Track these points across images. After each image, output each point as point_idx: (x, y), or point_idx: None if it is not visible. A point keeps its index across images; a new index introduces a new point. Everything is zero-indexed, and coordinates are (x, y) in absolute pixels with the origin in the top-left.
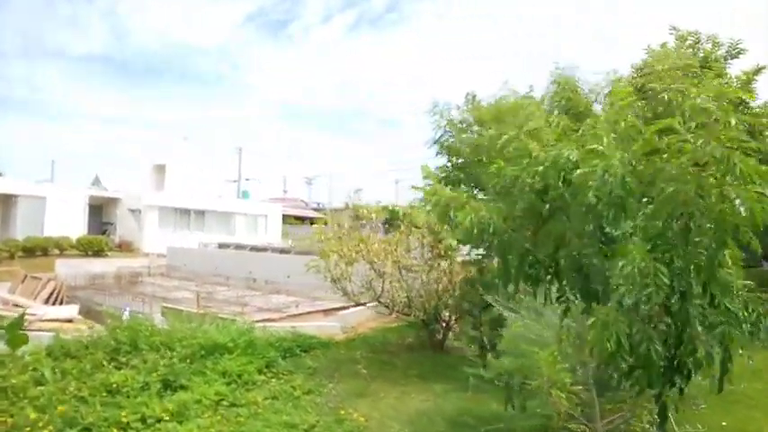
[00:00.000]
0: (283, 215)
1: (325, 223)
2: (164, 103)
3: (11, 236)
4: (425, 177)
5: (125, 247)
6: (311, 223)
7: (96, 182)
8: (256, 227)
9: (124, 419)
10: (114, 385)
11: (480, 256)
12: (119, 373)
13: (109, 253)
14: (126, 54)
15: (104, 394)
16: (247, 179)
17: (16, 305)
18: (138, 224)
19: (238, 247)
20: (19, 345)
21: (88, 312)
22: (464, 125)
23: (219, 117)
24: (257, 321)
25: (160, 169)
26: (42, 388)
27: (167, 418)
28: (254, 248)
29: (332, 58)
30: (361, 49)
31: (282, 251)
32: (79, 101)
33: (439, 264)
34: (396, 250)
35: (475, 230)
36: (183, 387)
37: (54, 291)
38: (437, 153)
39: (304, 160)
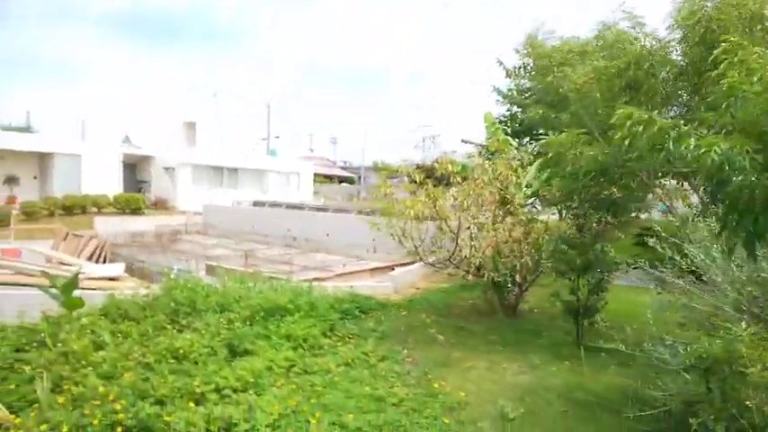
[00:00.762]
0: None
1: (392, 177)
2: (184, 63)
3: (49, 194)
4: (490, 125)
5: (160, 205)
6: (340, 182)
7: (126, 141)
8: (288, 185)
9: (198, 390)
10: (180, 351)
11: (576, 213)
12: (182, 337)
13: (145, 211)
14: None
15: (171, 360)
16: (276, 137)
17: (62, 263)
18: (172, 182)
19: (273, 204)
20: (75, 307)
21: (132, 270)
22: (530, 69)
23: (241, 76)
24: (304, 281)
25: (190, 127)
26: (103, 353)
27: (241, 387)
28: (291, 206)
29: (352, 14)
30: (382, 4)
31: (319, 209)
32: (102, 61)
33: (512, 221)
34: (469, 206)
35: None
36: (248, 352)
37: (97, 248)
38: (500, 101)
39: (326, 119)
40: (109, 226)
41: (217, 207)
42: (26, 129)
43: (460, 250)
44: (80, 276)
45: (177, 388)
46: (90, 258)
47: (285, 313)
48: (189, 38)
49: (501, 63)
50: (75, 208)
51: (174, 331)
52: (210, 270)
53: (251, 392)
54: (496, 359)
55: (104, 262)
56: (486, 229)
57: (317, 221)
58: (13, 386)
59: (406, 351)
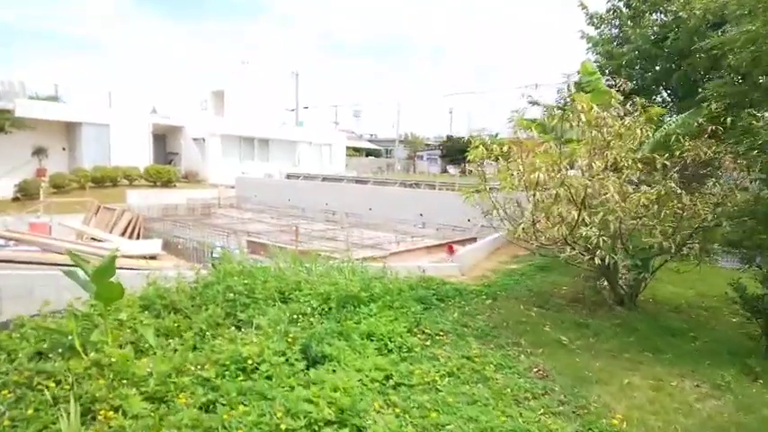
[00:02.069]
0: None
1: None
2: (208, 35)
3: (79, 165)
4: (588, 75)
5: (191, 178)
6: (366, 155)
7: (153, 113)
8: (321, 156)
9: (282, 426)
10: (248, 360)
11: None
12: (246, 339)
13: (176, 184)
14: None
15: (237, 374)
16: (305, 107)
17: (94, 239)
18: (201, 154)
19: (308, 177)
20: (113, 299)
21: (168, 246)
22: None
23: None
24: (358, 260)
25: (219, 96)
26: (148, 362)
27: (335, 416)
28: (327, 178)
29: None
30: None
31: (358, 181)
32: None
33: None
34: (598, 170)
35: None
36: (327, 357)
37: (130, 223)
38: (591, 50)
39: (349, 91)
40: (141, 199)
41: (250, 179)
42: (54, 99)
43: (577, 227)
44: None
45: (255, 422)
46: (123, 234)
47: (358, 303)
48: (212, 9)
49: (584, 8)
50: (106, 180)
51: (233, 329)
52: (253, 247)
53: (349, 424)
54: (658, 373)
55: (138, 237)
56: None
57: (357, 194)
58: (31, 411)
59: (523, 357)
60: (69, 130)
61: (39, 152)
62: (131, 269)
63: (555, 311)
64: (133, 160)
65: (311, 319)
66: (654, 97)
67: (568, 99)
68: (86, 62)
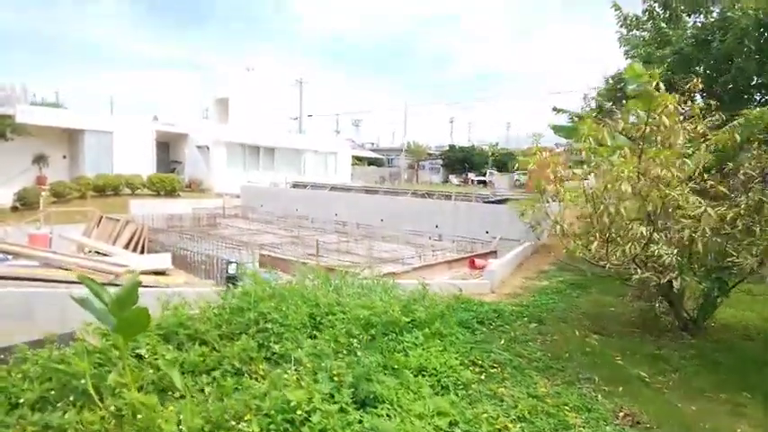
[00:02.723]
0: None
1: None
2: (211, 43)
3: (81, 173)
4: (638, 76)
5: (194, 187)
6: (369, 164)
7: (156, 120)
8: (326, 165)
9: None
10: (297, 410)
11: None
12: (289, 380)
13: (180, 193)
14: None
15: (286, 428)
16: (309, 115)
17: (98, 252)
18: (205, 162)
19: (315, 186)
20: (136, 332)
21: (175, 259)
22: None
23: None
24: (382, 276)
25: (223, 103)
26: (176, 411)
27: None
28: (336, 188)
29: None
30: None
31: (368, 191)
32: (129, 42)
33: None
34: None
35: None
36: (379, 399)
37: (134, 234)
38: (628, 50)
39: (349, 100)
40: (144, 209)
41: (256, 189)
42: (56, 106)
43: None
44: (120, 269)
45: None
46: (127, 245)
47: (400, 330)
48: (215, 18)
49: (618, 8)
50: (108, 189)
51: (269, 366)
52: (267, 261)
53: None
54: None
55: (142, 250)
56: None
57: (368, 205)
58: None
59: (601, 397)
60: (71, 137)
61: (39, 160)
62: (143, 286)
63: (616, 338)
64: (136, 168)
65: (352, 351)
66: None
67: (609, 104)
68: (89, 69)
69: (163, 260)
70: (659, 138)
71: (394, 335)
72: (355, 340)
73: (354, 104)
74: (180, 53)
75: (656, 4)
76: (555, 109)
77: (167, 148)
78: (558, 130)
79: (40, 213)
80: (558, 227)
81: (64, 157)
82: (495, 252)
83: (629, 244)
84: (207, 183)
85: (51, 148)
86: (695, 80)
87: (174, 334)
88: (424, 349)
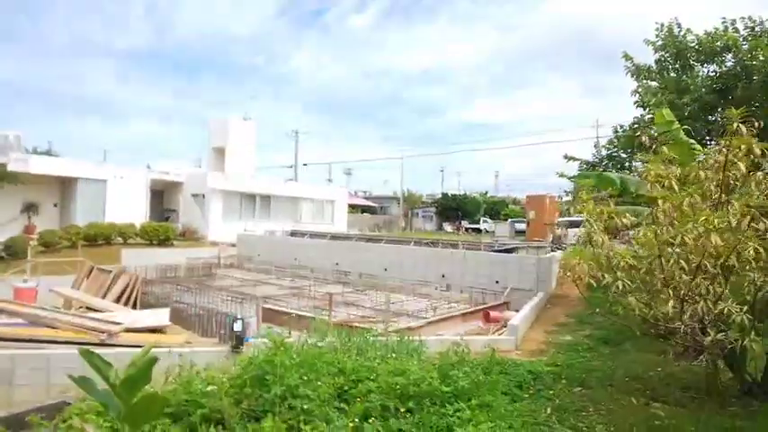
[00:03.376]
0: None
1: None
2: (205, 95)
3: (71, 222)
4: (668, 123)
5: (188, 236)
6: (362, 212)
7: (148, 169)
8: (323, 213)
9: None
10: None
11: None
12: None
13: (174, 242)
14: (167, 48)
15: None
16: (304, 164)
17: (89, 308)
18: (201, 210)
19: (314, 235)
20: (148, 419)
21: (171, 313)
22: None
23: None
24: (396, 331)
25: (219, 152)
26: None
27: None
28: (336, 237)
29: (367, 47)
30: (398, 36)
31: (369, 239)
32: (124, 96)
33: None
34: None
35: None
36: None
37: (127, 286)
38: (639, 99)
39: (339, 149)
40: (136, 258)
41: (253, 237)
42: (49, 155)
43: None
44: (115, 328)
45: None
46: (119, 299)
47: (441, 401)
48: (209, 71)
49: (629, 59)
50: (99, 238)
51: None
52: (270, 316)
53: None
54: None
55: (135, 302)
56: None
57: (370, 253)
58: None
59: None
60: (64, 185)
61: (29, 208)
62: (139, 347)
63: (678, 407)
64: (129, 217)
65: (389, 429)
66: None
67: (619, 151)
68: (83, 121)
69: (161, 316)
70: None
71: (434, 407)
72: (392, 416)
73: (343, 154)
74: (172, 106)
75: (668, 55)
76: (566, 157)
77: (161, 196)
78: (583, 177)
79: (27, 264)
80: (620, 282)
81: (55, 205)
82: (508, 303)
83: (702, 302)
84: (202, 231)
85: (43, 196)
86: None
87: (185, 414)
88: (474, 425)
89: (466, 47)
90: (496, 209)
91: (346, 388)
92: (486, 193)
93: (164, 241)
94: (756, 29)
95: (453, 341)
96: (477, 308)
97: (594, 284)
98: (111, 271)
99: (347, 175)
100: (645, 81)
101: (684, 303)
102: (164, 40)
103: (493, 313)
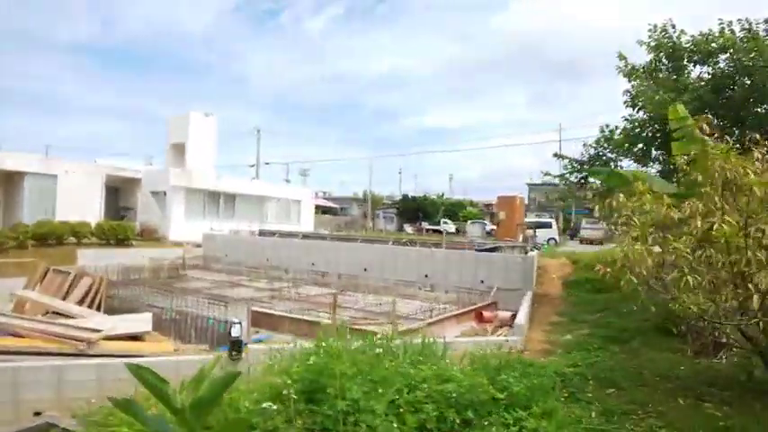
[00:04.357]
0: None
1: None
2: (153, 93)
3: (18, 220)
4: (681, 119)
5: (147, 235)
6: (323, 212)
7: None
8: (289, 213)
9: None
10: None
11: None
12: None
13: (133, 242)
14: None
15: None
16: (267, 163)
17: (56, 313)
18: (161, 209)
19: (285, 234)
20: None
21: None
22: None
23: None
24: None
25: (179, 149)
26: None
27: None
28: (308, 236)
29: (323, 49)
30: (354, 40)
31: (344, 239)
32: (68, 92)
33: None
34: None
35: None
36: None
37: (90, 289)
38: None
39: (296, 151)
40: (93, 259)
41: (220, 237)
42: None
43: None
44: (92, 335)
45: None
46: (81, 302)
47: (495, 408)
48: (160, 68)
49: (623, 59)
50: (50, 237)
51: None
52: (257, 319)
53: None
54: None
55: (99, 306)
56: None
57: (347, 253)
58: None
59: None
60: (8, 180)
61: None
62: (123, 357)
63: (727, 406)
64: (81, 215)
65: None
66: None
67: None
68: (23, 118)
69: (142, 322)
70: None
71: (492, 416)
72: (447, 428)
73: (300, 156)
74: (118, 103)
75: (662, 55)
76: (556, 155)
77: (116, 193)
78: (595, 173)
79: None
80: (690, 278)
81: None
82: (496, 303)
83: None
84: (162, 231)
85: None
86: None
87: None
88: None
89: (422, 54)
90: (454, 210)
91: (396, 397)
92: (443, 194)
93: (122, 241)
94: (754, 29)
95: (472, 342)
96: (470, 308)
97: (567, 283)
98: (69, 272)
99: (303, 176)
100: (638, 81)
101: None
102: (110, 35)
103: (486, 313)
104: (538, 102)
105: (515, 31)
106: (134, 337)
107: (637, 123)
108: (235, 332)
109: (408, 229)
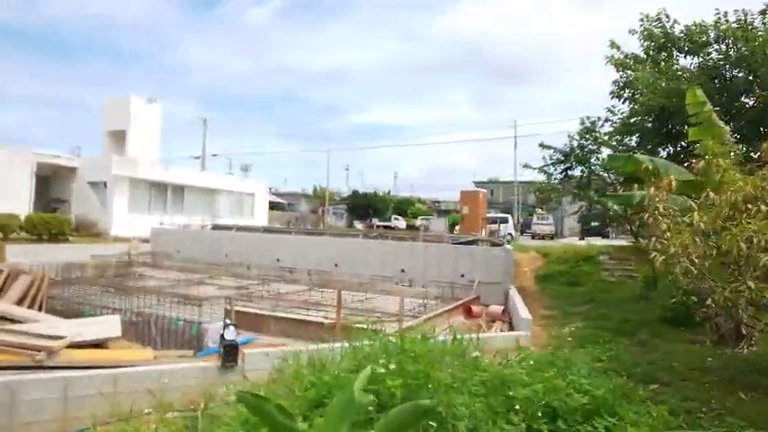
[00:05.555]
0: None
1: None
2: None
3: None
4: (700, 104)
5: (84, 230)
6: (271, 208)
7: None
8: (242, 207)
9: None
10: None
11: None
12: None
13: (69, 237)
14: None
15: None
16: (214, 155)
17: (3, 318)
18: (101, 201)
19: (244, 228)
20: None
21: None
22: None
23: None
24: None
25: (118, 137)
26: None
27: None
28: (271, 230)
29: (266, 43)
30: (299, 33)
31: (310, 233)
32: None
33: None
34: None
35: None
36: None
37: (30, 289)
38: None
39: (237, 144)
40: (25, 256)
41: (170, 231)
42: None
43: None
44: (52, 343)
45: None
46: (20, 303)
47: (579, 416)
48: (86, 56)
49: (616, 47)
50: None
51: None
52: (240, 319)
53: None
54: None
55: (40, 308)
56: None
57: (315, 248)
58: None
59: None
60: None
61: None
62: (94, 368)
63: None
64: (7, 207)
65: None
66: None
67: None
68: None
69: (109, 325)
70: None
71: (581, 425)
72: None
73: (241, 149)
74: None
75: (654, 45)
76: (541, 145)
77: (47, 183)
78: (613, 159)
79: None
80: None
81: None
82: (479, 297)
83: None
84: (102, 225)
85: None
86: None
87: None
88: None
89: (367, 51)
90: (403, 207)
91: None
92: (389, 192)
93: (56, 236)
94: (749, 19)
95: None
96: (459, 303)
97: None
98: (2, 270)
99: (244, 171)
100: (630, 72)
101: None
102: (31, 18)
103: (475, 308)
104: (481, 102)
105: (461, 32)
106: (96, 345)
107: (633, 113)
108: (229, 335)
109: (359, 225)
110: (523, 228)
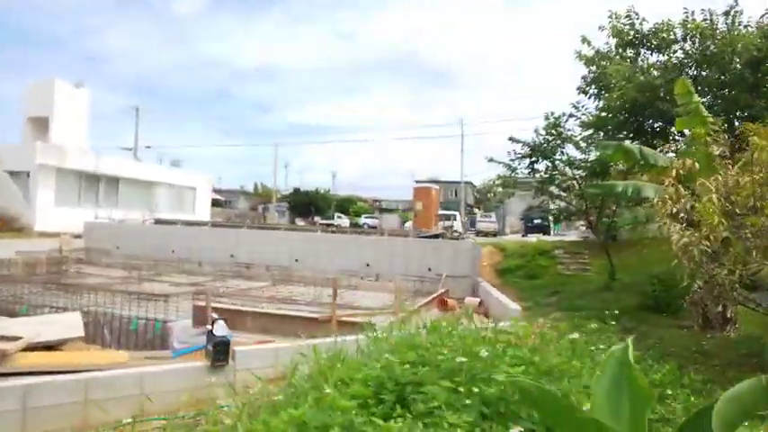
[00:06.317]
0: None
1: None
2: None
3: None
4: (687, 94)
5: (5, 224)
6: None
7: None
8: (182, 201)
9: None
10: None
11: None
12: None
13: None
14: None
15: None
16: (148, 146)
17: None
18: (23, 192)
19: (189, 223)
20: None
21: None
22: None
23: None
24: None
25: (40, 123)
26: None
27: None
28: (218, 224)
29: (195, 35)
30: (229, 26)
31: (263, 227)
32: None
33: None
34: None
35: None
36: None
37: None
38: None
39: (166, 139)
40: None
41: (106, 226)
42: None
43: None
44: (17, 345)
45: None
46: None
47: None
48: (21, 38)
49: (587, 42)
50: None
51: None
52: (202, 317)
53: None
54: None
55: None
56: None
57: (273, 243)
58: None
59: None
60: None
61: None
62: (50, 373)
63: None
64: None
65: None
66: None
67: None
68: None
69: (71, 325)
70: None
71: None
72: None
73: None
74: None
75: (622, 42)
76: (511, 139)
77: None
78: (603, 147)
79: None
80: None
81: None
82: (448, 291)
83: None
84: (24, 219)
85: None
86: None
87: None
88: None
89: (301, 47)
90: (344, 206)
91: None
92: (329, 190)
93: None
94: (714, 19)
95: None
96: (434, 296)
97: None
98: None
99: (175, 167)
100: (603, 64)
101: None
102: None
103: (449, 300)
104: (416, 102)
105: (396, 33)
106: (48, 347)
107: (605, 107)
108: (219, 331)
109: (300, 223)
110: (469, 225)
